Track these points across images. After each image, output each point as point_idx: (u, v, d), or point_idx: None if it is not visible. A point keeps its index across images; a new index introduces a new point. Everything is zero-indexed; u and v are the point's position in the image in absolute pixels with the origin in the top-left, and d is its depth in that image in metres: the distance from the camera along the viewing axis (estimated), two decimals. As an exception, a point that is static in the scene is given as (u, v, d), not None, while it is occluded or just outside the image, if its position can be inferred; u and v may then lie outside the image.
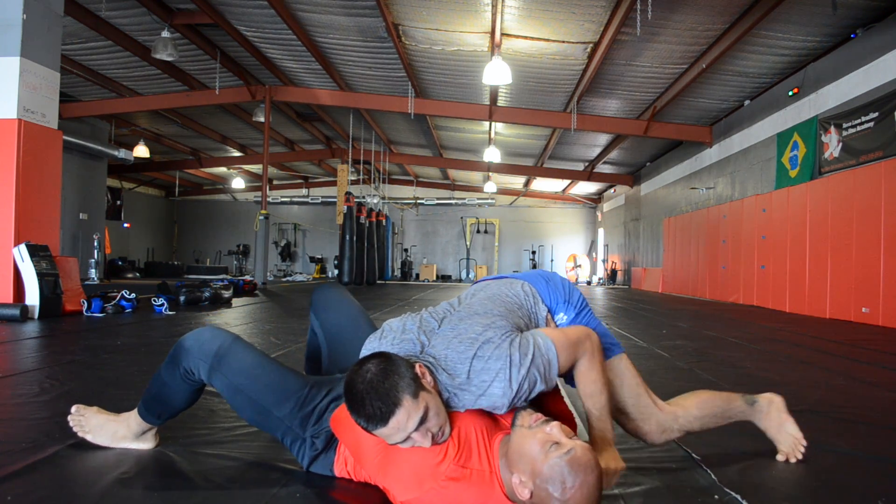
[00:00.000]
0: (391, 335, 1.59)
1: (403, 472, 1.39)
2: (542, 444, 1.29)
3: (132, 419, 1.78)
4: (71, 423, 1.81)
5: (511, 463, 1.33)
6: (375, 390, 1.32)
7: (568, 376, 1.65)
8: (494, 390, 1.43)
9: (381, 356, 1.40)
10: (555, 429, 1.31)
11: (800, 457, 1.83)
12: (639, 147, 15.64)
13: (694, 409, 1.83)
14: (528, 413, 1.38)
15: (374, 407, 1.31)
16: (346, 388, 1.37)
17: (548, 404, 1.61)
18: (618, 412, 1.77)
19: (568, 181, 20.97)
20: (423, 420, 1.34)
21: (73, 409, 1.83)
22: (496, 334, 1.50)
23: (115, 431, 1.79)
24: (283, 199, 24.85)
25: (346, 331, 1.88)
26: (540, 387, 1.48)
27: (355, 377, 1.35)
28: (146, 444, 1.80)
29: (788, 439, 1.85)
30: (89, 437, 1.80)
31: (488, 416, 1.50)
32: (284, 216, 24.97)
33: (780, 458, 1.83)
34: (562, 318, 1.78)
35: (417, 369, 1.41)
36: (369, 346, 1.58)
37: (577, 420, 1.48)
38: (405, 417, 1.32)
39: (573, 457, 1.24)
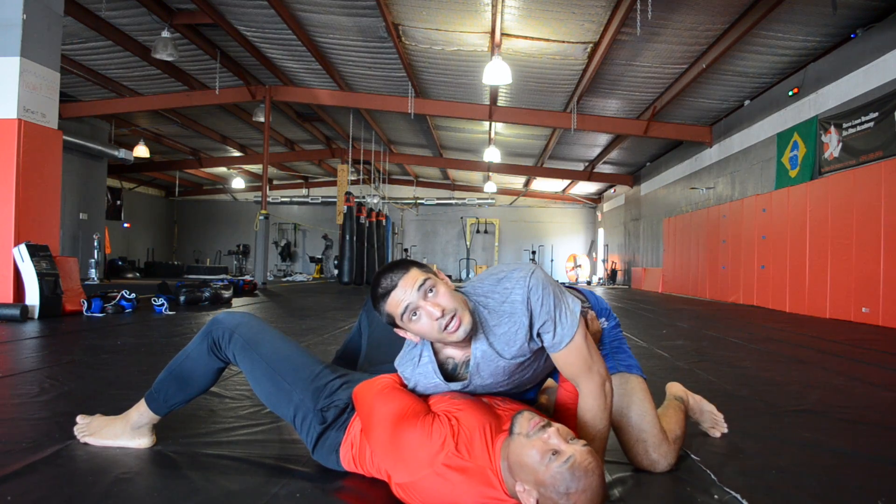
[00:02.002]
0: None
1: (404, 455, 1.41)
2: (541, 453, 1.29)
3: (132, 412, 1.82)
4: (76, 432, 1.85)
5: (512, 471, 1.33)
6: (391, 268, 1.48)
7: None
8: (516, 296, 1.47)
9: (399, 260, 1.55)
10: (553, 435, 1.30)
11: (724, 428, 2.07)
12: (639, 147, 15.64)
13: (678, 429, 1.83)
14: (525, 419, 1.37)
15: (387, 277, 1.46)
16: (371, 289, 1.50)
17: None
18: (623, 435, 1.72)
19: (568, 181, 20.97)
20: (430, 288, 1.43)
21: (78, 418, 1.89)
22: (524, 266, 1.56)
23: (113, 429, 1.82)
24: (283, 199, 24.86)
25: (395, 340, 1.89)
26: (559, 324, 1.47)
27: (378, 272, 1.50)
28: (142, 440, 1.81)
29: (707, 416, 2.08)
30: (91, 440, 1.83)
31: (493, 414, 1.51)
32: (284, 216, 24.98)
33: (712, 433, 2.06)
34: (603, 322, 1.81)
35: (435, 268, 1.54)
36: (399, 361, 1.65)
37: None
38: (412, 280, 1.43)
39: (574, 463, 1.25)
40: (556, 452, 1.27)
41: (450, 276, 24.25)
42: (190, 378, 1.77)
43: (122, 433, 1.81)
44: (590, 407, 1.52)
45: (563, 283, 1.93)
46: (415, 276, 1.44)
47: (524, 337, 1.47)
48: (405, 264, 1.49)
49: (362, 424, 1.56)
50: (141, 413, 1.80)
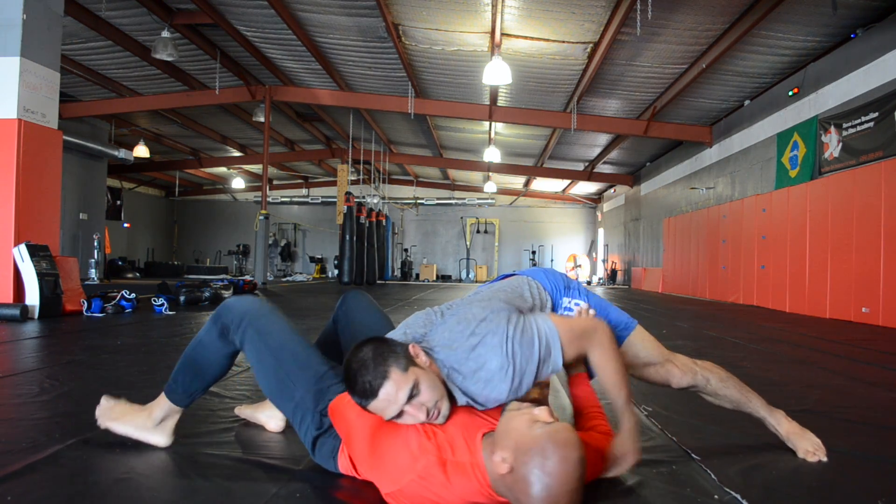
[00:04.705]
0: (399, 329, 1.73)
1: (386, 465, 1.42)
2: (528, 421, 1.31)
3: (155, 405, 1.80)
4: (98, 414, 1.83)
5: (496, 443, 1.34)
6: (366, 367, 1.40)
7: (589, 370, 1.75)
8: (492, 365, 1.47)
9: (376, 339, 1.49)
10: (543, 411, 1.32)
11: (824, 458, 1.84)
12: (639, 147, 15.64)
13: (715, 373, 1.94)
14: (517, 402, 1.42)
15: (364, 381, 1.40)
16: (343, 369, 1.46)
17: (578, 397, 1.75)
18: (644, 367, 1.90)
19: (568, 181, 20.97)
20: (413, 393, 1.40)
21: (103, 399, 1.86)
22: (495, 315, 1.55)
23: (136, 419, 1.80)
24: (283, 199, 24.86)
25: (370, 331, 1.89)
26: (543, 370, 1.52)
27: (351, 358, 1.44)
28: (163, 436, 1.79)
29: (810, 443, 1.88)
30: (112, 426, 1.81)
31: (471, 411, 1.52)
32: (284, 216, 24.97)
33: (806, 457, 1.85)
34: (581, 304, 1.85)
35: (411, 349, 1.48)
36: None
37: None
38: (394, 389, 1.39)
39: (555, 429, 1.27)
40: (542, 422, 1.30)
41: (449, 276, 24.25)
42: (203, 365, 1.75)
43: (144, 426, 1.79)
44: (603, 367, 1.63)
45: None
46: (398, 384, 1.38)
47: (506, 393, 1.49)
48: (382, 361, 1.40)
49: (343, 439, 1.55)
50: (161, 407, 1.78)
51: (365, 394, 1.40)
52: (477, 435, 1.42)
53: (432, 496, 1.35)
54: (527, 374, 1.50)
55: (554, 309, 1.84)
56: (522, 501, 1.25)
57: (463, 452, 1.39)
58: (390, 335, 1.67)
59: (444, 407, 1.45)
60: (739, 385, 1.94)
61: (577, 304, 1.85)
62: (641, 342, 1.89)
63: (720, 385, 1.92)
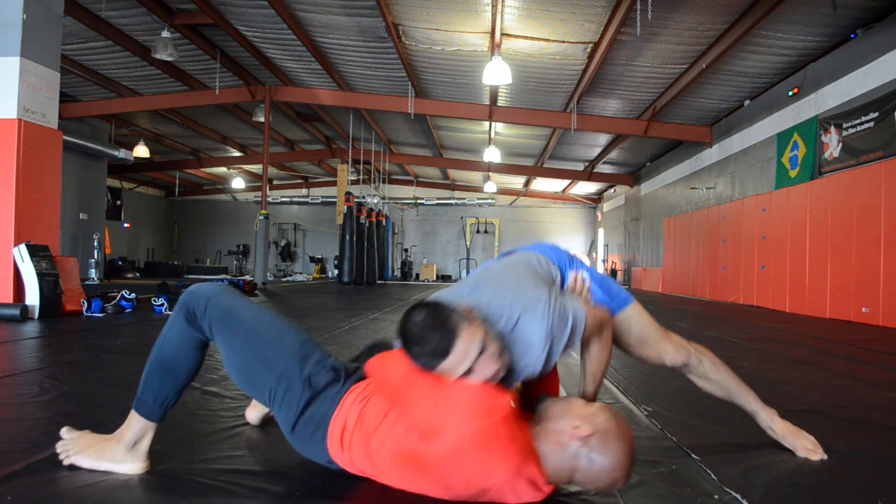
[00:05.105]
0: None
1: (453, 404, 1.35)
2: (581, 402, 1.40)
3: (125, 428, 1.61)
4: (59, 449, 1.62)
5: (554, 419, 1.38)
6: (432, 326, 1.38)
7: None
8: (534, 334, 1.51)
9: (425, 303, 1.47)
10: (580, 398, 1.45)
11: (824, 456, 1.84)
12: (639, 147, 15.64)
13: (708, 356, 1.97)
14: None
15: (435, 340, 1.36)
16: (402, 334, 1.42)
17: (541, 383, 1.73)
18: (638, 344, 1.92)
19: (568, 181, 20.97)
20: (483, 347, 1.39)
21: (63, 431, 1.66)
22: (535, 288, 1.61)
23: (104, 449, 1.60)
24: (283, 199, 24.86)
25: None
26: (565, 348, 1.58)
27: (408, 323, 1.42)
28: (136, 462, 1.59)
29: (809, 441, 1.89)
30: (77, 460, 1.60)
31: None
32: (284, 216, 24.97)
33: (808, 455, 1.85)
34: (584, 276, 1.89)
35: (464, 310, 1.47)
36: None
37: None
38: (467, 344, 1.37)
39: (610, 407, 1.41)
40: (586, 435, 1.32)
41: (450, 276, 24.25)
42: (173, 362, 1.58)
43: (114, 455, 1.59)
44: (597, 357, 1.72)
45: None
46: (469, 339, 1.38)
47: (539, 364, 1.54)
48: (448, 320, 1.40)
49: (391, 400, 1.44)
50: (133, 427, 1.59)
51: (436, 353, 1.37)
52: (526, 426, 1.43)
53: (482, 461, 1.29)
54: (556, 350, 1.55)
55: (562, 281, 1.88)
56: (592, 470, 1.32)
57: (523, 435, 1.38)
58: None
59: (506, 359, 1.47)
60: (731, 373, 1.96)
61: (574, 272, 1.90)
62: (637, 316, 1.92)
63: (712, 368, 1.93)
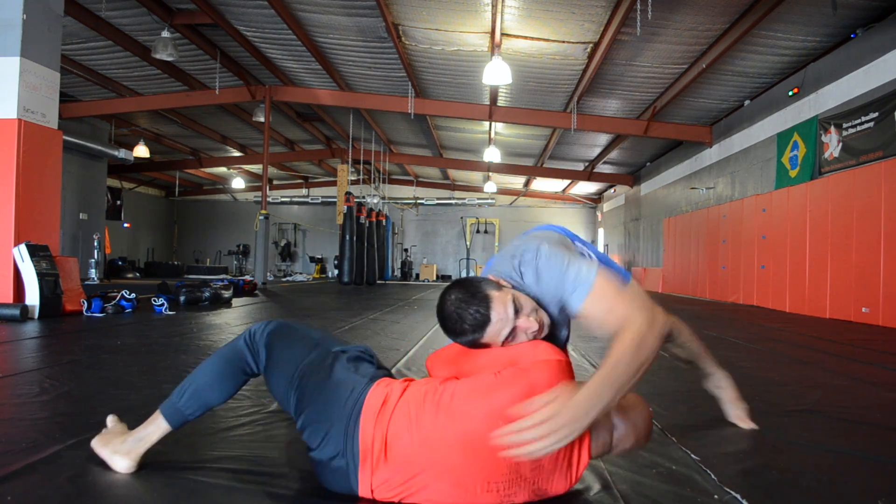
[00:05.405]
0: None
1: (526, 348, 1.45)
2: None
3: (149, 423, 1.62)
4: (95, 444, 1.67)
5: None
6: (466, 301, 1.46)
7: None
8: (527, 256, 1.55)
9: (459, 280, 1.57)
10: None
11: (754, 425, 2.14)
12: (639, 147, 15.64)
13: (685, 327, 2.16)
14: None
15: (472, 313, 1.45)
16: (441, 320, 1.51)
17: None
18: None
19: (568, 181, 20.97)
20: (517, 307, 1.46)
21: (109, 419, 1.74)
22: (537, 240, 1.62)
23: (110, 439, 1.64)
24: (283, 199, 24.86)
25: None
26: (564, 296, 1.48)
27: (444, 305, 1.50)
28: (126, 460, 1.58)
29: (741, 412, 2.20)
30: (93, 444, 1.65)
31: None
32: (284, 216, 24.97)
33: (739, 423, 2.17)
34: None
35: (491, 277, 1.57)
36: None
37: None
38: (502, 308, 1.44)
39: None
40: None
41: (450, 276, 24.26)
42: (212, 385, 1.58)
43: (115, 447, 1.60)
44: (689, 341, 2.05)
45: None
46: (503, 302, 1.45)
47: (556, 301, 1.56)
48: (478, 290, 1.47)
49: (448, 363, 1.57)
50: (149, 428, 1.60)
51: (477, 324, 1.44)
52: None
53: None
54: (548, 287, 1.51)
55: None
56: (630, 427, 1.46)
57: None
58: None
59: (543, 315, 1.51)
60: (700, 342, 2.21)
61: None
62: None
63: (689, 337, 2.15)
